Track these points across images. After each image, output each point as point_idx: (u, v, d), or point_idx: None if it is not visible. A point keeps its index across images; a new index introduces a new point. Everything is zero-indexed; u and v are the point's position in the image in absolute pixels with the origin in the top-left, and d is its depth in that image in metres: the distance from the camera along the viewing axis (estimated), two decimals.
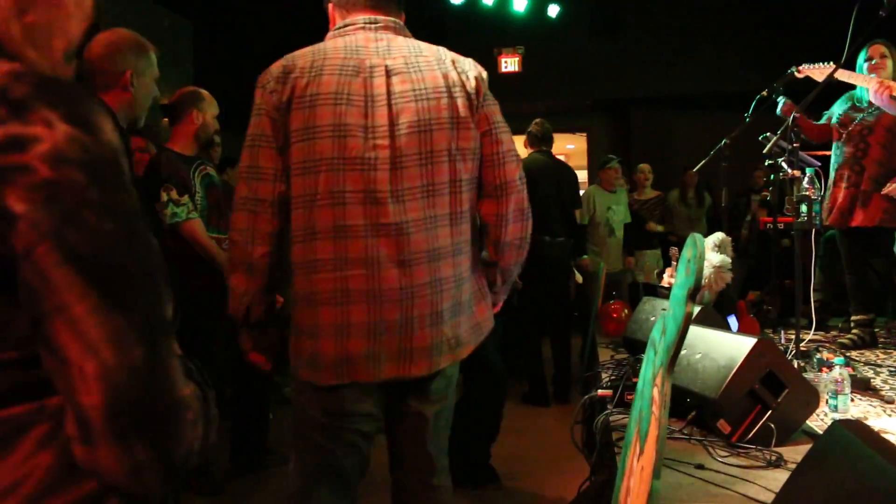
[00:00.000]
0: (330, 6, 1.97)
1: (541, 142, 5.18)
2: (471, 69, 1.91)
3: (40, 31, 0.82)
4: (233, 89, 3.49)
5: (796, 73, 3.55)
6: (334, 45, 1.84)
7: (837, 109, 3.76)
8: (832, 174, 3.74)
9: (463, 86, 1.85)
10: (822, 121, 3.84)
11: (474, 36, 9.31)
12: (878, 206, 3.49)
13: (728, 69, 8.96)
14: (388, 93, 1.78)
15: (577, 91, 9.54)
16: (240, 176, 1.80)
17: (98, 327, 0.69)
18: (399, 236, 1.73)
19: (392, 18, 1.93)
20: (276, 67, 1.82)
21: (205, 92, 3.39)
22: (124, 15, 6.99)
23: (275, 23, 9.58)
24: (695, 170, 4.07)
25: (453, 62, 1.90)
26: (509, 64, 9.57)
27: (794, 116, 3.13)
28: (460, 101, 1.83)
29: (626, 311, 3.68)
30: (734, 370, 1.98)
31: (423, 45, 1.92)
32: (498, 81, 9.59)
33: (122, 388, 0.69)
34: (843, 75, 3.49)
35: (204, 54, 8.71)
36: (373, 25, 1.88)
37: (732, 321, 3.18)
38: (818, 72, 3.51)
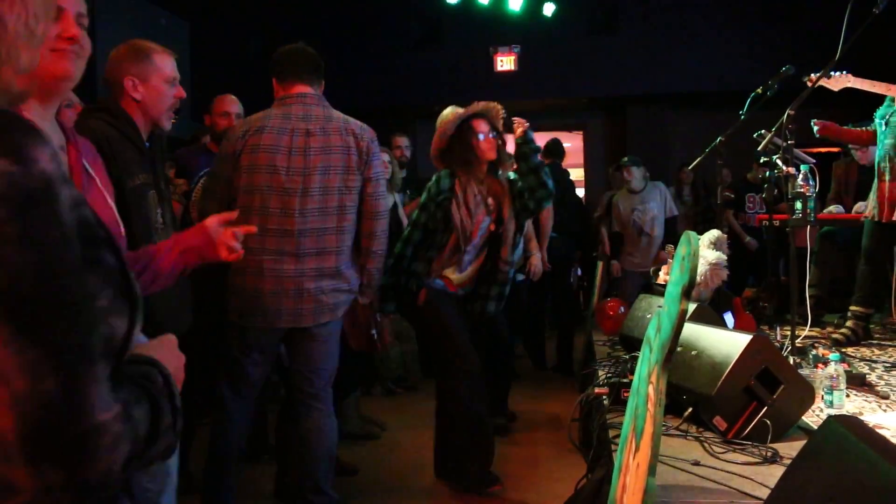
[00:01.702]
0: (274, 79, 2.98)
1: (553, 154, 6.10)
2: (364, 134, 2.92)
3: None
4: (229, 89, 3.49)
5: (807, 83, 3.49)
6: (276, 113, 2.90)
7: (881, 111, 3.72)
8: (876, 168, 3.71)
9: (357, 146, 2.88)
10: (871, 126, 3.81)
11: (470, 35, 9.32)
12: None
13: (724, 67, 8.97)
14: (305, 147, 2.83)
15: (573, 89, 9.54)
16: (202, 193, 2.93)
17: (11, 358, 0.71)
18: (299, 238, 2.81)
19: (315, 92, 2.95)
20: (239, 128, 2.91)
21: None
22: (121, 15, 6.99)
23: (270, 23, 9.58)
24: (689, 167, 4.06)
25: (353, 130, 2.91)
26: (505, 63, 9.58)
27: (788, 114, 3.12)
28: (353, 156, 2.87)
29: (622, 308, 3.68)
30: (730, 367, 1.98)
31: (334, 114, 2.94)
32: (494, 80, 9.60)
33: (33, 416, 0.72)
34: (860, 84, 3.47)
35: (201, 54, 8.70)
36: (302, 99, 2.91)
37: (729, 318, 3.18)
38: (833, 82, 3.45)
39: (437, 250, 3.40)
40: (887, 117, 3.62)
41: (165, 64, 2.46)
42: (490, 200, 3.42)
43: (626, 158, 6.18)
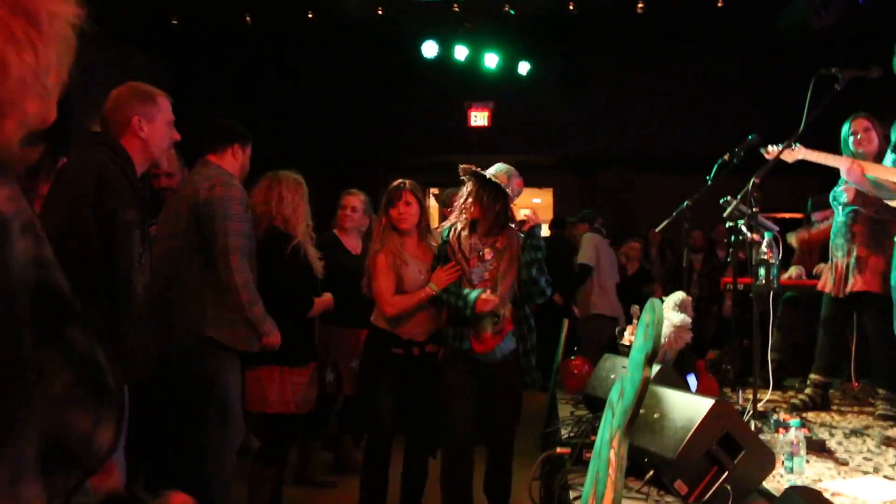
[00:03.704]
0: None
1: (559, 227, 7.58)
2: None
3: None
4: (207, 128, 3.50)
5: (765, 154, 3.58)
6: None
7: (836, 190, 3.84)
8: (831, 245, 3.83)
9: None
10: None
11: (445, 89, 9.46)
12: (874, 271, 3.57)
13: (692, 133, 9.21)
14: None
15: (544, 148, 9.70)
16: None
17: None
18: None
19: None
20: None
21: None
22: (100, 56, 6.98)
23: (249, 62, 9.66)
24: (657, 229, 4.13)
25: None
26: (479, 118, 9.74)
27: (753, 182, 3.19)
28: None
29: (586, 366, 3.67)
30: (692, 431, 1.98)
31: None
32: (467, 134, 9.74)
33: None
34: (812, 156, 3.56)
35: (179, 94, 8.70)
36: None
37: (692, 380, 3.19)
38: (788, 154, 3.54)
39: None
40: (838, 196, 3.75)
41: (167, 107, 2.68)
42: (486, 251, 3.42)
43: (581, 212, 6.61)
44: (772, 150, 3.54)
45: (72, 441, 0.71)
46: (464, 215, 3.45)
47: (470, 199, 3.42)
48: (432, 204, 11.02)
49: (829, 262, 3.84)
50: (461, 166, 3.46)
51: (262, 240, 3.45)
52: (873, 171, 3.45)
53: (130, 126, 2.55)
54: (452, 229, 3.50)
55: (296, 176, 3.63)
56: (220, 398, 3.13)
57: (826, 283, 3.80)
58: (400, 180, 3.53)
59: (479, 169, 3.40)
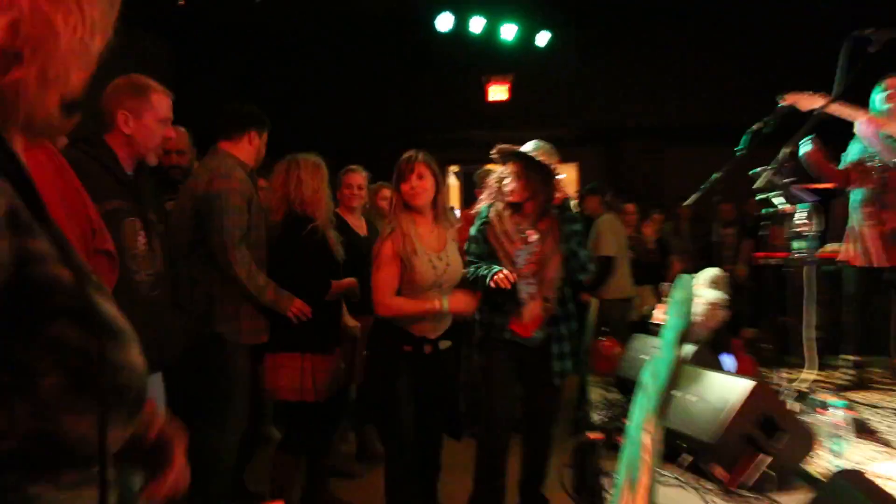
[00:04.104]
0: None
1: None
2: None
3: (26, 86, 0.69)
4: (212, 110, 3.52)
5: (781, 101, 3.56)
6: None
7: (854, 149, 3.77)
8: (856, 214, 3.76)
9: None
10: (841, 165, 3.85)
11: (461, 64, 9.40)
12: None
13: (722, 101, 9.09)
14: None
15: (567, 121, 9.63)
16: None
17: None
18: None
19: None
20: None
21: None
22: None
23: (258, 42, 9.64)
24: (686, 203, 4.07)
25: None
26: (497, 92, 9.68)
27: (788, 151, 3.14)
28: None
29: (617, 348, 3.65)
30: (729, 414, 1.96)
31: None
32: (486, 109, 9.69)
33: None
34: (830, 107, 3.49)
35: (186, 76, 8.74)
36: None
37: (728, 360, 3.16)
38: (806, 101, 3.49)
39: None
40: (865, 164, 3.68)
41: (161, 104, 2.63)
42: (530, 233, 3.40)
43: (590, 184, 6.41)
44: (788, 98, 3.51)
45: (68, 443, 0.69)
46: (508, 198, 3.40)
47: (514, 182, 3.37)
48: (452, 182, 11.07)
49: (852, 230, 3.77)
50: (499, 146, 3.40)
51: (282, 224, 3.50)
52: (889, 128, 3.42)
53: (115, 120, 2.56)
54: (493, 208, 3.46)
55: (315, 159, 3.63)
56: (223, 392, 3.25)
57: (853, 253, 3.73)
58: (412, 151, 3.27)
59: (520, 149, 3.36)
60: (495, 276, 3.16)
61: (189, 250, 3.27)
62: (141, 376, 0.79)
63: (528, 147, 3.38)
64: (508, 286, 3.16)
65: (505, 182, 3.41)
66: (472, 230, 3.52)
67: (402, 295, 3.18)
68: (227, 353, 3.26)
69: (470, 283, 3.35)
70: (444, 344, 3.32)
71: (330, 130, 9.31)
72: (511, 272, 3.21)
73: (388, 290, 3.17)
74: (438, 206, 3.32)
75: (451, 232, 3.38)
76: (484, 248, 3.42)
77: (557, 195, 3.42)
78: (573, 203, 3.59)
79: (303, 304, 3.41)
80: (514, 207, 3.41)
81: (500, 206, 3.44)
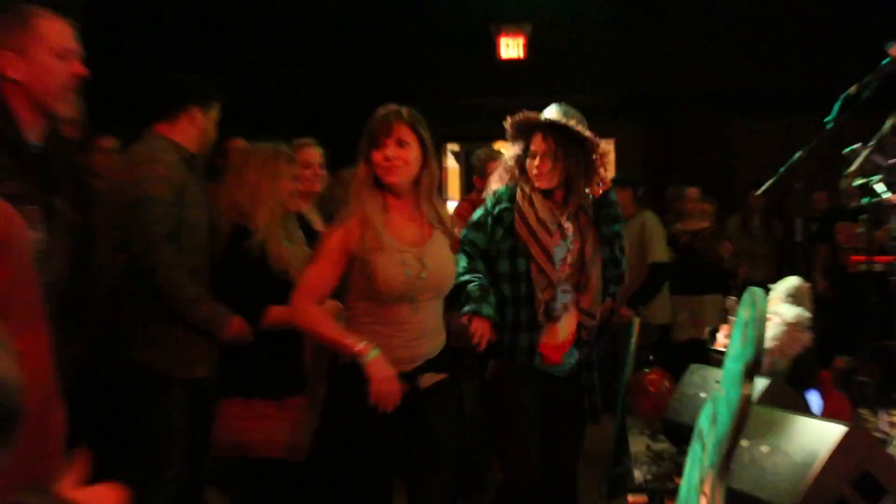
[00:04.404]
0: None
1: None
2: None
3: None
4: (127, 68, 3.55)
5: (890, 51, 3.51)
6: None
7: None
8: None
9: None
10: None
11: (468, 11, 9.39)
12: None
13: (803, 60, 9.07)
14: None
15: (600, 85, 9.64)
16: None
17: None
18: None
19: None
20: None
21: None
22: None
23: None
24: (759, 192, 4.06)
25: None
26: (512, 48, 9.66)
27: (893, 122, 3.12)
28: None
29: (667, 382, 3.65)
30: (816, 470, 1.96)
31: None
32: (497, 69, 9.68)
33: None
34: None
35: (94, 25, 8.74)
36: None
37: (813, 398, 3.15)
38: None
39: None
40: None
41: (53, 31, 2.51)
42: (567, 224, 3.39)
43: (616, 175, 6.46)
44: None
45: None
46: (536, 183, 3.36)
47: (544, 162, 3.32)
48: (451, 165, 11.04)
49: None
50: (523, 113, 3.39)
51: (227, 239, 3.52)
52: None
53: None
54: (519, 190, 3.40)
55: (269, 149, 3.60)
56: (148, 440, 3.25)
57: None
58: (392, 105, 3.04)
59: (549, 117, 3.33)
60: (473, 326, 3.08)
61: (99, 257, 3.24)
62: (11, 391, 0.84)
63: (552, 113, 3.37)
64: (481, 348, 3.11)
65: (531, 161, 3.36)
66: (478, 214, 3.46)
67: (366, 304, 2.98)
68: (153, 389, 3.25)
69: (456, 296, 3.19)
70: (429, 379, 3.03)
71: (313, 95, 9.26)
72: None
73: (311, 292, 2.99)
74: (423, 186, 3.05)
75: (439, 223, 3.13)
76: (503, 241, 3.35)
77: (598, 183, 3.40)
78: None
79: (242, 324, 3.37)
80: (545, 192, 3.39)
81: (526, 188, 3.39)
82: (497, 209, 3.37)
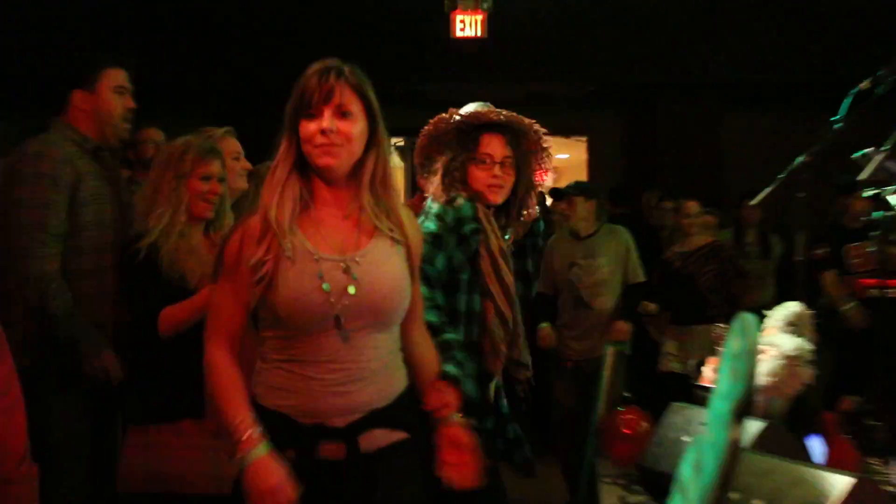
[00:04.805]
0: None
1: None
2: None
3: None
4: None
5: None
6: None
7: None
8: None
9: None
10: None
11: None
12: None
13: (806, 49, 9.19)
14: None
15: (570, 72, 9.68)
16: None
17: None
18: None
19: None
20: None
21: None
22: None
23: None
24: (754, 201, 4.11)
25: None
26: (468, 26, 9.68)
27: None
28: None
29: (644, 423, 3.67)
30: None
31: None
32: (452, 51, 9.69)
33: None
34: None
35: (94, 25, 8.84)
36: None
37: (815, 445, 3.19)
38: None
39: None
40: None
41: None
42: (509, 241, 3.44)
43: (572, 183, 6.55)
44: None
45: None
46: (488, 197, 3.35)
47: (503, 171, 3.34)
48: (397, 164, 11.02)
49: None
50: (475, 110, 3.38)
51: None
52: None
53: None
54: (477, 205, 3.33)
55: (186, 143, 3.62)
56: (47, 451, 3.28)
57: None
58: (330, 60, 2.53)
59: (506, 113, 3.33)
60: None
61: None
62: None
63: (470, 109, 3.40)
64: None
65: (484, 170, 3.35)
66: (431, 227, 3.25)
67: (273, 333, 2.51)
68: (41, 395, 3.28)
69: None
70: (379, 439, 2.51)
71: (221, 77, 9.18)
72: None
73: (220, 327, 2.56)
74: (366, 172, 2.56)
75: (392, 228, 2.59)
76: (462, 269, 3.27)
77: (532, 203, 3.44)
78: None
79: (115, 363, 3.53)
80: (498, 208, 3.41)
81: (479, 205, 3.35)
82: (466, 228, 3.23)
